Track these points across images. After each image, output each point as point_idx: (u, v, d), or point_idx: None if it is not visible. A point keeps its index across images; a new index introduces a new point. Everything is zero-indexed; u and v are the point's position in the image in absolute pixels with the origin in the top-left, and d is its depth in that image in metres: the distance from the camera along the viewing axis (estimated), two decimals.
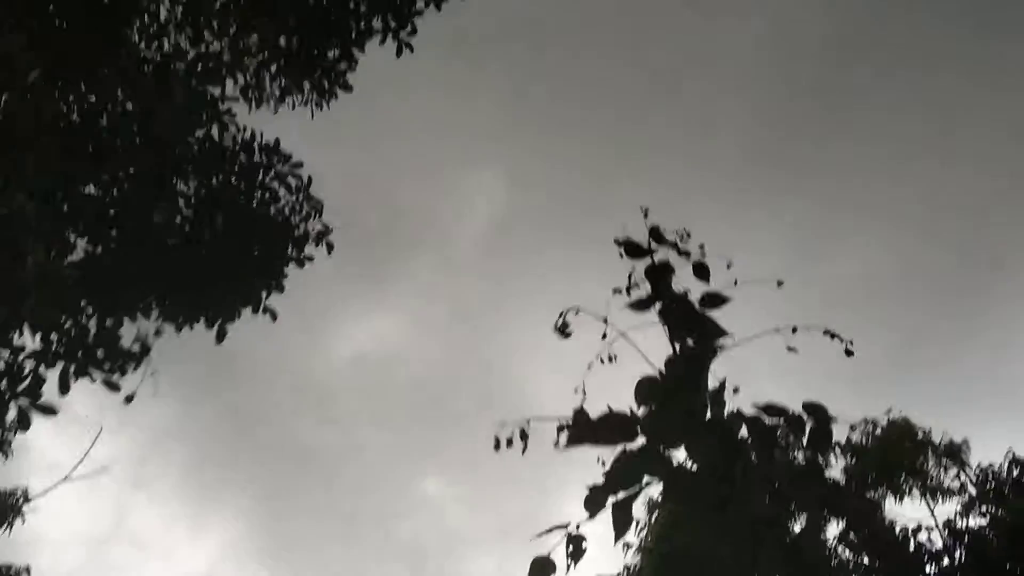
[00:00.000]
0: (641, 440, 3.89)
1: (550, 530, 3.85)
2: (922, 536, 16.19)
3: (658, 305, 3.83)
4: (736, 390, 3.62)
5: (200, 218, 9.34)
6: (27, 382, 7.37)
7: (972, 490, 17.12)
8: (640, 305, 3.85)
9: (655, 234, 3.85)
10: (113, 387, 7.11)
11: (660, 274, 3.81)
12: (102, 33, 8.05)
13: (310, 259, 9.81)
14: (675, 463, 3.87)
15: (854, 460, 18.00)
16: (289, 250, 9.62)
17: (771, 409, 3.68)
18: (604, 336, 3.89)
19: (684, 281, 3.83)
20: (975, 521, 16.47)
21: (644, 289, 3.85)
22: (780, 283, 3.86)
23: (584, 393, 3.97)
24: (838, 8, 41.13)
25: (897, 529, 16.33)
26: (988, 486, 16.57)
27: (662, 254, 3.86)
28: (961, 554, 15.74)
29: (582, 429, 3.76)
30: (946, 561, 15.74)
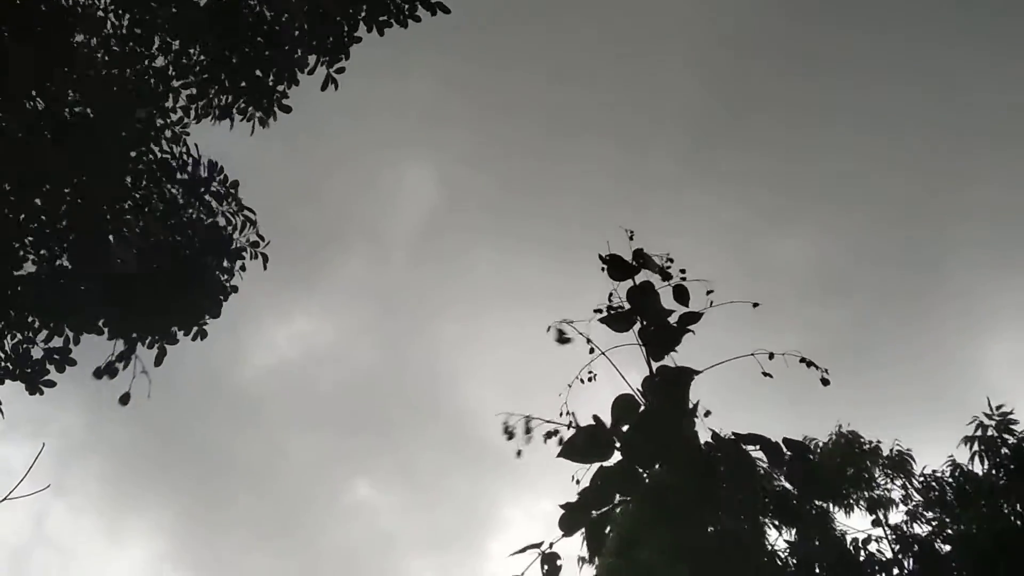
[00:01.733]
0: (616, 457, 3.87)
1: (524, 549, 3.81)
2: (872, 547, 16.49)
3: (638, 325, 3.80)
4: (708, 413, 3.64)
5: (147, 236, 9.16)
6: None
7: (916, 498, 17.49)
8: (618, 323, 3.83)
9: (639, 257, 3.84)
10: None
11: (643, 295, 3.79)
12: (50, 41, 7.84)
13: (235, 289, 9.81)
14: (649, 482, 3.86)
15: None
16: (224, 267, 9.56)
17: (749, 436, 3.68)
18: (592, 351, 3.85)
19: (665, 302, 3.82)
20: (921, 529, 16.84)
21: (623, 307, 3.83)
22: (756, 305, 3.90)
23: (571, 414, 3.94)
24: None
25: (848, 540, 16.60)
26: (931, 494, 16.94)
27: (644, 275, 3.84)
28: (910, 562, 16.06)
29: (574, 443, 3.74)
30: (896, 571, 16.04)
